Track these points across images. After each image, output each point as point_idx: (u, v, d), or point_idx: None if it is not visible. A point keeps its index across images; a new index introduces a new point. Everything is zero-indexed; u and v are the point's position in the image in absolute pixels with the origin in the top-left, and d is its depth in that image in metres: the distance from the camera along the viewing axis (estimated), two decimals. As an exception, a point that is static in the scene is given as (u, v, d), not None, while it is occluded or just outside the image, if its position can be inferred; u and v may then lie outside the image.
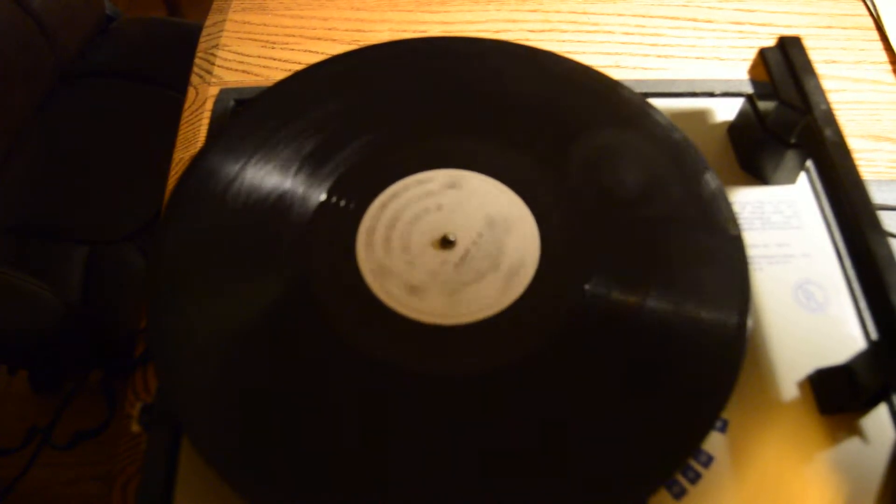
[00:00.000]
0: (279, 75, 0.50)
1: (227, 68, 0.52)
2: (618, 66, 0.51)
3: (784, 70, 0.36)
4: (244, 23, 0.55)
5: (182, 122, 0.49)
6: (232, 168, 0.36)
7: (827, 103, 0.34)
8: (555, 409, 0.29)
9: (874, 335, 0.34)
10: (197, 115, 0.49)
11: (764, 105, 0.37)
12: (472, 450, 0.29)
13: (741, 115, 0.40)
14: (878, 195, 0.43)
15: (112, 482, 0.36)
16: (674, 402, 0.29)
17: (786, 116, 0.36)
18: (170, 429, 0.31)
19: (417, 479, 0.28)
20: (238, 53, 0.53)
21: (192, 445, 0.31)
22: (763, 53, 0.37)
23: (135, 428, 0.32)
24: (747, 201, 0.38)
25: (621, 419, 0.29)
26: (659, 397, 0.30)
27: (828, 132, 0.33)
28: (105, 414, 0.42)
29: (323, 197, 0.35)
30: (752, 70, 0.38)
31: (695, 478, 0.30)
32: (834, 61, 0.52)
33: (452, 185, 0.36)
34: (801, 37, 0.37)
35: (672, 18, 0.54)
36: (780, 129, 0.36)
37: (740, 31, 0.53)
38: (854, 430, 0.31)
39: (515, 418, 0.29)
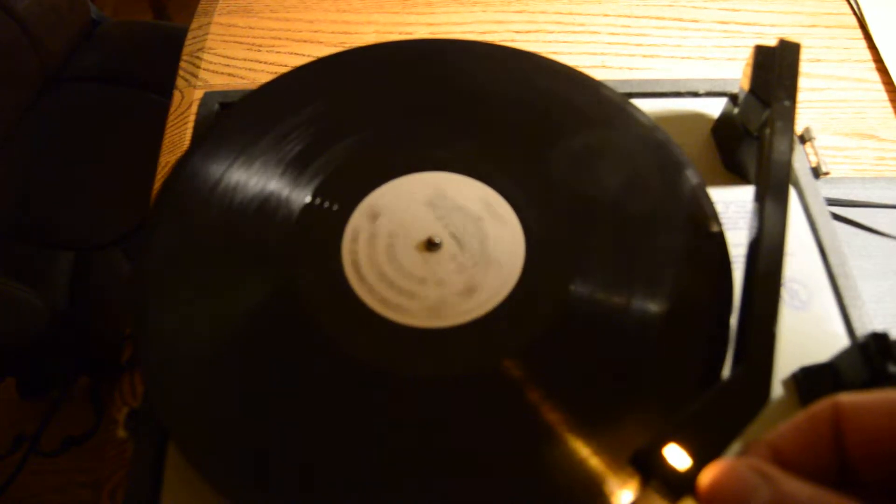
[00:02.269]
0: (265, 78, 0.50)
1: (213, 71, 0.51)
2: (604, 66, 0.51)
3: (768, 66, 0.36)
4: (229, 25, 0.54)
5: (168, 125, 0.49)
6: (217, 171, 0.36)
7: (793, 101, 0.34)
8: (541, 409, 0.29)
9: (858, 333, 0.34)
10: (182, 119, 0.49)
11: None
12: (460, 451, 0.29)
13: (724, 114, 0.40)
14: (862, 193, 0.44)
15: (100, 489, 0.36)
16: (659, 401, 0.29)
17: (753, 108, 0.36)
18: (156, 434, 0.31)
19: (406, 482, 0.28)
20: (223, 56, 0.52)
21: (178, 450, 0.31)
22: (757, 48, 0.37)
23: (121, 433, 0.32)
24: (731, 200, 0.38)
25: (606, 418, 0.29)
26: (644, 396, 0.30)
27: (779, 124, 0.33)
28: (93, 420, 0.42)
29: (308, 199, 0.35)
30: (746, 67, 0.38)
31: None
32: (818, 60, 0.52)
33: (375, 216, 0.36)
34: (801, 43, 0.37)
35: (657, 18, 0.54)
36: (747, 121, 0.37)
37: (725, 31, 0.54)
38: (839, 428, 0.31)
39: (501, 419, 0.29)
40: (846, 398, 0.21)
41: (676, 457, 0.25)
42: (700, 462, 0.24)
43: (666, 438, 0.25)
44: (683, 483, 0.24)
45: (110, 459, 0.37)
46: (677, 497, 0.24)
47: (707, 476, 0.22)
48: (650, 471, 0.25)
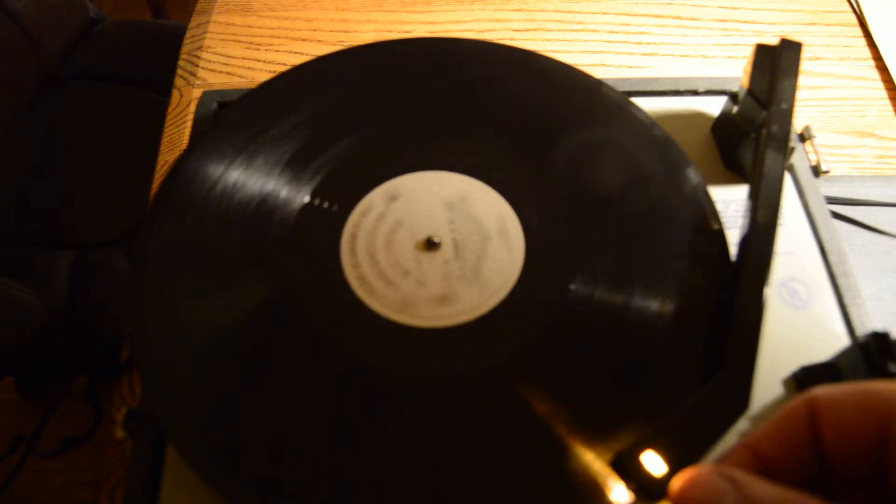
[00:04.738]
0: (264, 77, 0.49)
1: (212, 70, 0.51)
2: (602, 65, 0.51)
3: (768, 66, 0.36)
4: (228, 24, 0.54)
5: (166, 124, 0.49)
6: (215, 170, 0.36)
7: (791, 104, 0.34)
8: (541, 409, 0.29)
9: (858, 332, 0.34)
10: (181, 118, 0.49)
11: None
12: (459, 450, 0.29)
13: (723, 113, 0.40)
14: (861, 191, 0.43)
15: (99, 489, 0.36)
16: (659, 400, 0.29)
17: (751, 109, 0.36)
18: (154, 434, 0.31)
19: (405, 483, 0.28)
20: (222, 55, 0.52)
21: (176, 451, 0.30)
22: (758, 47, 0.37)
23: (119, 433, 0.31)
24: (731, 199, 0.38)
25: (607, 418, 0.29)
26: (644, 396, 0.30)
27: (774, 128, 0.33)
28: (91, 420, 0.41)
29: (307, 199, 0.35)
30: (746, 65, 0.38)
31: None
32: (818, 58, 0.52)
33: (394, 198, 0.36)
34: (802, 43, 0.37)
35: (656, 17, 0.54)
36: (745, 121, 0.37)
37: (724, 29, 0.54)
38: (839, 427, 0.31)
39: (501, 419, 0.29)
40: (821, 392, 0.21)
41: (653, 463, 0.25)
42: (676, 469, 0.25)
43: (644, 444, 0.26)
44: (659, 489, 0.25)
45: (109, 460, 0.37)
46: (652, 502, 0.25)
47: (676, 483, 0.22)
48: (628, 475, 0.26)
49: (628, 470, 0.26)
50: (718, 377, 0.28)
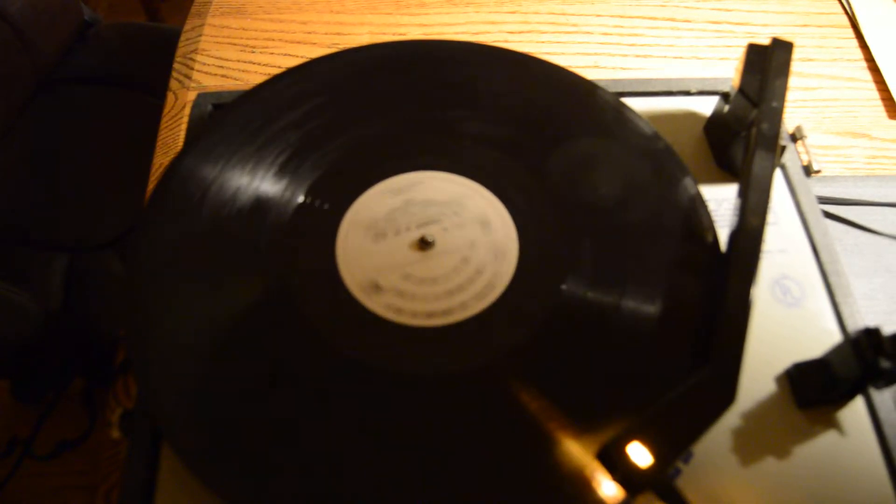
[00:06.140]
0: (258, 79, 0.49)
1: (207, 73, 0.51)
2: (596, 67, 0.51)
3: (759, 65, 0.37)
4: (223, 27, 0.54)
5: (161, 126, 0.49)
6: (210, 172, 0.36)
7: (781, 103, 0.34)
8: (532, 407, 0.29)
9: (850, 330, 0.34)
10: (176, 120, 0.49)
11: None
12: (452, 446, 0.29)
13: (715, 112, 0.40)
14: (854, 191, 0.44)
15: (95, 491, 0.36)
16: (651, 400, 0.29)
17: (742, 107, 0.36)
18: (149, 434, 0.31)
19: (402, 481, 0.28)
20: (217, 58, 0.52)
21: (171, 450, 0.30)
22: (750, 47, 0.37)
23: (115, 434, 0.31)
24: (723, 198, 0.38)
25: (598, 418, 0.29)
26: (635, 396, 0.30)
27: (764, 126, 0.33)
28: (87, 423, 0.41)
29: (301, 199, 0.35)
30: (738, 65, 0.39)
31: (674, 474, 0.30)
32: (810, 59, 0.52)
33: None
34: (794, 42, 0.37)
35: (650, 18, 0.55)
36: (736, 119, 0.37)
37: (717, 31, 0.54)
38: (831, 424, 0.32)
39: (493, 415, 0.29)
40: None
41: (639, 454, 0.25)
42: (661, 460, 0.25)
43: (630, 436, 0.26)
44: (644, 480, 0.25)
45: (105, 462, 0.37)
46: (636, 492, 0.25)
47: None
48: (614, 467, 0.26)
49: (614, 461, 0.26)
50: (705, 370, 0.28)
